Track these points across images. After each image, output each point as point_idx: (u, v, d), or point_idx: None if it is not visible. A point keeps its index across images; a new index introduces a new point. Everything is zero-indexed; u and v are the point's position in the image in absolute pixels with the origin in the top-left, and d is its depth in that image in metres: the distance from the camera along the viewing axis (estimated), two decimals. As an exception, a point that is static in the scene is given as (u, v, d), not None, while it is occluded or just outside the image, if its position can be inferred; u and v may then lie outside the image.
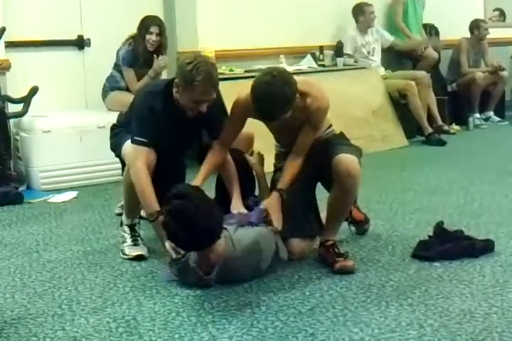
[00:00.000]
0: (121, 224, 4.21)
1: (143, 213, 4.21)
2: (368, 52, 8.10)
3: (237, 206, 3.91)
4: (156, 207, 3.73)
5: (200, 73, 3.66)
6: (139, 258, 3.98)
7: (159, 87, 3.96)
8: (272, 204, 3.81)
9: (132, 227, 4.13)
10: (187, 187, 3.64)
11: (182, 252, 3.53)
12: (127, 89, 6.27)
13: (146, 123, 3.88)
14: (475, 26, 9.08)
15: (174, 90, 3.82)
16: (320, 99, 3.76)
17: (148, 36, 6.13)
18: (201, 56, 3.98)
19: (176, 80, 3.80)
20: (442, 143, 7.66)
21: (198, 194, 3.49)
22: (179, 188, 3.53)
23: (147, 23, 6.16)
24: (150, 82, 6.09)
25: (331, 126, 4.07)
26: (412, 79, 7.92)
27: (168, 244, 3.58)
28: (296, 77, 3.72)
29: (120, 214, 4.68)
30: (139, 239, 4.11)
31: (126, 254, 4.03)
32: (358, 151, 3.93)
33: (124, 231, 4.13)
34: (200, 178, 3.91)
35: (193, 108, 3.80)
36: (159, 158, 3.89)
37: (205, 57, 3.94)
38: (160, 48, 6.24)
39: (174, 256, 3.56)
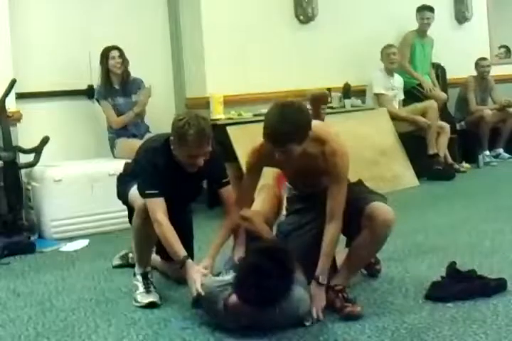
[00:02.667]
0: (134, 274, 4.21)
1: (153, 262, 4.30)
2: (394, 95, 8.18)
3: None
4: (184, 253, 3.83)
5: (192, 127, 3.77)
6: (151, 305, 3.97)
7: (159, 143, 4.06)
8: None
9: (145, 275, 4.14)
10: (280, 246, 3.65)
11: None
12: (134, 136, 6.36)
13: (153, 176, 3.95)
14: (475, 64, 9.14)
15: (171, 147, 3.94)
16: (337, 145, 3.73)
17: (111, 61, 6.40)
18: (192, 112, 4.07)
19: (170, 138, 3.91)
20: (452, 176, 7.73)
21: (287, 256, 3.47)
22: (275, 244, 3.67)
23: (105, 51, 6.44)
24: (134, 118, 6.45)
25: None
26: (423, 112, 8.06)
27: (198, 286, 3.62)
28: (314, 122, 3.70)
29: (118, 266, 4.87)
30: (151, 286, 4.11)
31: (138, 302, 4.03)
32: (385, 200, 3.89)
33: (137, 280, 4.14)
34: (217, 243, 4.02)
35: (191, 163, 3.91)
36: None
37: (196, 113, 3.99)
38: (126, 71, 6.49)
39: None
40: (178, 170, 3.96)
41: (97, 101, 6.47)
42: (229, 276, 3.57)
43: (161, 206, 3.89)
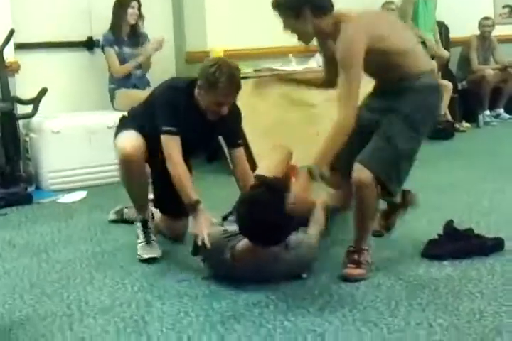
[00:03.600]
0: (133, 222, 4.22)
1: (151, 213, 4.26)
2: None
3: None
4: (196, 197, 3.79)
5: (224, 75, 3.72)
6: (151, 260, 3.96)
7: (183, 84, 3.96)
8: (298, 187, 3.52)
9: (144, 223, 4.11)
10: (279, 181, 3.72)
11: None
12: (135, 87, 6.33)
13: (172, 113, 3.84)
14: (478, 24, 9.07)
15: (196, 92, 3.86)
16: (343, 31, 3.46)
17: (130, 10, 6.32)
18: (224, 59, 4.01)
19: (198, 82, 3.82)
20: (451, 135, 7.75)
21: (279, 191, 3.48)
22: (273, 180, 3.72)
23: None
24: (136, 67, 6.43)
25: (423, 75, 3.60)
26: None
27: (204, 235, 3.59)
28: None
29: (113, 221, 4.81)
30: (151, 235, 4.08)
31: (137, 254, 4.01)
32: (391, 161, 3.56)
33: (138, 228, 4.12)
34: None
35: (215, 110, 3.83)
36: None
37: (228, 60, 3.93)
38: (138, 23, 6.46)
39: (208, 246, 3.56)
40: (196, 115, 3.87)
41: (102, 48, 6.39)
42: (236, 226, 3.56)
43: (178, 145, 3.82)
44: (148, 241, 4.05)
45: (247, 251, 3.46)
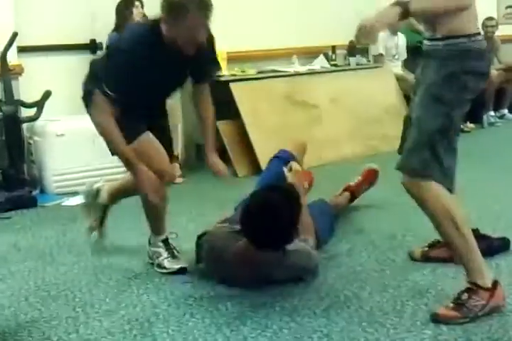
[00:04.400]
0: (149, 242, 3.99)
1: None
2: (394, 55, 8.11)
3: (211, 156, 3.98)
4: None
5: None
6: (181, 271, 3.78)
7: (144, 28, 3.64)
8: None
9: (166, 241, 3.91)
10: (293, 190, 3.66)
11: None
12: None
13: (122, 75, 3.50)
14: (482, 24, 9.04)
15: (164, 29, 3.51)
16: None
17: (135, 10, 6.25)
18: None
19: (163, 18, 3.51)
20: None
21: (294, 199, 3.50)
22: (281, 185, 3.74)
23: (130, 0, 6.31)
24: None
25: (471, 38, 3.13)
26: None
27: None
28: None
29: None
30: (175, 251, 3.90)
31: (166, 268, 3.83)
32: (425, 148, 3.13)
33: (158, 247, 3.90)
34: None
35: (192, 40, 3.48)
36: (142, 105, 3.61)
37: None
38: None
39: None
40: (169, 54, 3.51)
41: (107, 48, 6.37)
42: (238, 225, 3.55)
43: (109, 107, 3.51)
44: (173, 256, 3.86)
45: (245, 251, 3.45)
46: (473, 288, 3.09)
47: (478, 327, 2.95)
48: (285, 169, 4.10)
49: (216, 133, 6.59)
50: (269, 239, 3.34)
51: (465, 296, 3.08)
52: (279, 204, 3.35)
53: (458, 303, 3.07)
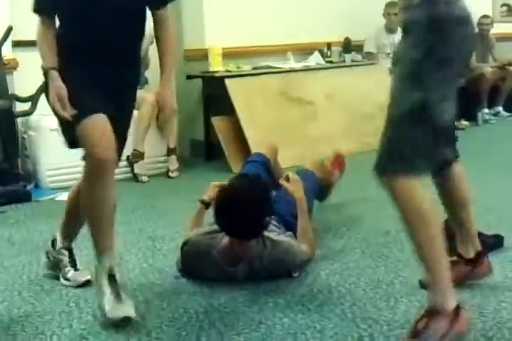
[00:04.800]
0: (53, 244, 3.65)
1: None
2: (389, 54, 8.11)
3: (164, 88, 3.38)
4: (54, 63, 3.19)
5: None
6: (125, 320, 3.06)
7: None
8: None
9: (112, 277, 3.12)
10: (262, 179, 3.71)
11: None
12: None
13: None
14: (477, 22, 9.06)
15: None
16: None
17: None
18: None
19: None
20: None
21: (266, 185, 3.59)
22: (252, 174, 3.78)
23: None
24: None
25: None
26: None
27: None
28: None
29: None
30: (121, 292, 3.10)
31: (105, 313, 3.07)
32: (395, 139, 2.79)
33: (102, 282, 3.12)
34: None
35: None
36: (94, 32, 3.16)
37: None
38: None
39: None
40: None
41: None
42: (215, 226, 3.56)
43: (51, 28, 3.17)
44: (117, 298, 3.07)
45: (230, 247, 3.47)
46: (432, 314, 2.72)
47: (472, 324, 2.94)
48: (282, 181, 4.07)
49: (211, 129, 6.65)
50: (240, 227, 3.38)
51: (421, 325, 2.72)
52: (243, 192, 3.43)
53: (413, 335, 2.72)
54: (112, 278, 3.10)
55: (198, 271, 3.59)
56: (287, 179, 4.04)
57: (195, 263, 3.59)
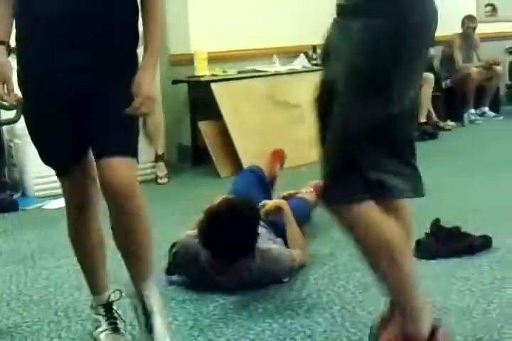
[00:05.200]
0: (91, 306, 3.06)
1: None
2: None
3: (143, 74, 2.60)
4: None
5: None
6: None
7: None
8: None
9: (108, 307, 2.98)
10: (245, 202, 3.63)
11: None
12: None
13: None
14: (462, 22, 9.08)
15: None
16: None
17: None
18: None
19: None
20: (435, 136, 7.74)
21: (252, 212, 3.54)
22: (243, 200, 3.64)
23: None
24: None
25: None
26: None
27: None
28: None
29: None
30: (118, 322, 2.96)
31: None
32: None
33: (98, 313, 2.97)
34: None
35: None
36: None
37: None
38: None
39: None
40: None
41: None
42: None
43: None
44: (115, 330, 2.93)
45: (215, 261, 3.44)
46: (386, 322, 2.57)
47: (461, 326, 2.95)
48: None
49: (198, 134, 6.64)
50: (225, 251, 3.35)
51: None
52: (229, 220, 3.35)
53: None
54: (108, 307, 2.97)
55: (186, 274, 3.59)
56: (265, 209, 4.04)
57: (183, 266, 3.58)
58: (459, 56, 9.03)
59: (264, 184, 4.48)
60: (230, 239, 3.30)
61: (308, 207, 4.39)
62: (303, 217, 4.20)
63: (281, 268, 3.55)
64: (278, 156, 4.91)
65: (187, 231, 3.76)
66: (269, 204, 3.96)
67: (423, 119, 7.83)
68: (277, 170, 4.81)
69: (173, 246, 3.64)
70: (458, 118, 8.66)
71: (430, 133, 7.79)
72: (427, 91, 8.03)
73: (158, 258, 3.97)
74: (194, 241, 3.54)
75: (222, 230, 3.31)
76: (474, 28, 9.10)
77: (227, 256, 3.37)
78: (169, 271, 3.66)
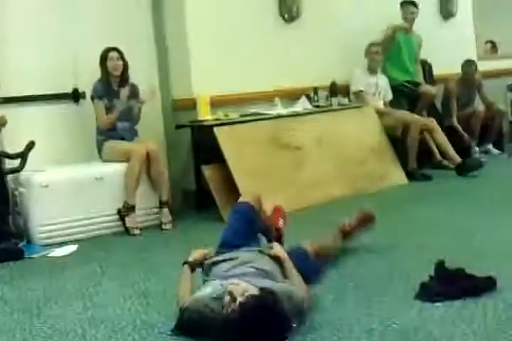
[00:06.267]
0: None
1: None
2: (374, 94, 8.14)
3: None
4: None
5: None
6: None
7: None
8: None
9: None
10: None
11: None
12: (122, 139, 6.34)
13: None
14: (461, 66, 9.07)
15: None
16: None
17: (109, 63, 6.33)
18: None
19: None
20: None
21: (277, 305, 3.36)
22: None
23: (104, 52, 6.38)
24: (118, 115, 6.32)
25: None
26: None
27: None
28: None
29: None
30: None
31: None
32: None
33: None
34: None
35: None
36: None
37: None
38: (125, 72, 6.43)
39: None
40: None
41: (92, 99, 6.40)
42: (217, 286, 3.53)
43: None
44: None
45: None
46: None
47: None
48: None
49: (202, 178, 6.66)
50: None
51: None
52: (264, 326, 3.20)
53: None
54: None
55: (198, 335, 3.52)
56: (270, 247, 4.08)
57: (195, 329, 3.47)
58: (454, 105, 9.00)
59: (252, 220, 4.39)
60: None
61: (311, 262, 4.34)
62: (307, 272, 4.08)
63: (294, 305, 3.48)
64: (279, 212, 4.89)
65: (186, 295, 3.68)
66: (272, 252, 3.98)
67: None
68: (282, 226, 4.80)
69: (184, 310, 3.52)
70: (462, 156, 8.65)
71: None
72: (439, 136, 8.05)
73: (163, 307, 4.00)
74: (207, 309, 3.43)
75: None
76: (474, 72, 9.07)
77: None
78: (177, 330, 3.59)
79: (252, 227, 4.37)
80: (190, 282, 3.83)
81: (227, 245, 4.18)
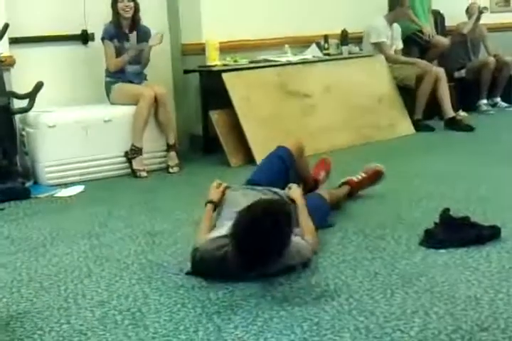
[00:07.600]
0: None
1: None
2: (390, 46, 8.04)
3: None
4: None
5: None
6: None
7: None
8: None
9: None
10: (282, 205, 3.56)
11: None
12: (130, 82, 6.31)
13: None
14: (466, 10, 9.02)
15: None
16: None
17: (120, 4, 6.25)
18: None
19: None
20: (469, 128, 7.67)
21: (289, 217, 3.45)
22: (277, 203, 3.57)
23: None
24: (128, 59, 6.29)
25: None
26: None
27: None
28: None
29: None
30: None
31: None
32: None
33: None
34: None
35: None
36: None
37: None
38: (136, 14, 6.36)
39: None
40: None
41: (102, 40, 6.35)
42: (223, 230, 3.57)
43: None
44: None
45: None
46: None
47: (468, 315, 2.96)
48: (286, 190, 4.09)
49: (209, 123, 6.66)
50: (258, 262, 3.37)
51: None
52: (269, 229, 3.28)
53: None
54: None
55: (208, 274, 3.54)
56: (289, 188, 4.10)
57: (206, 269, 3.53)
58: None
59: (287, 166, 4.38)
60: (268, 247, 3.31)
61: (325, 209, 4.36)
62: (318, 219, 4.10)
63: (300, 262, 3.57)
64: (324, 165, 4.92)
65: (203, 234, 3.75)
66: (291, 194, 4.02)
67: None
68: (322, 177, 4.82)
69: (196, 250, 3.58)
70: (470, 108, 8.62)
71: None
72: (443, 87, 7.95)
73: (169, 246, 4.03)
74: (217, 247, 3.50)
75: (261, 239, 3.28)
76: (479, 19, 8.99)
77: (263, 261, 3.38)
78: (189, 273, 3.62)
79: (281, 172, 4.35)
80: (210, 222, 3.90)
81: (250, 183, 4.22)
